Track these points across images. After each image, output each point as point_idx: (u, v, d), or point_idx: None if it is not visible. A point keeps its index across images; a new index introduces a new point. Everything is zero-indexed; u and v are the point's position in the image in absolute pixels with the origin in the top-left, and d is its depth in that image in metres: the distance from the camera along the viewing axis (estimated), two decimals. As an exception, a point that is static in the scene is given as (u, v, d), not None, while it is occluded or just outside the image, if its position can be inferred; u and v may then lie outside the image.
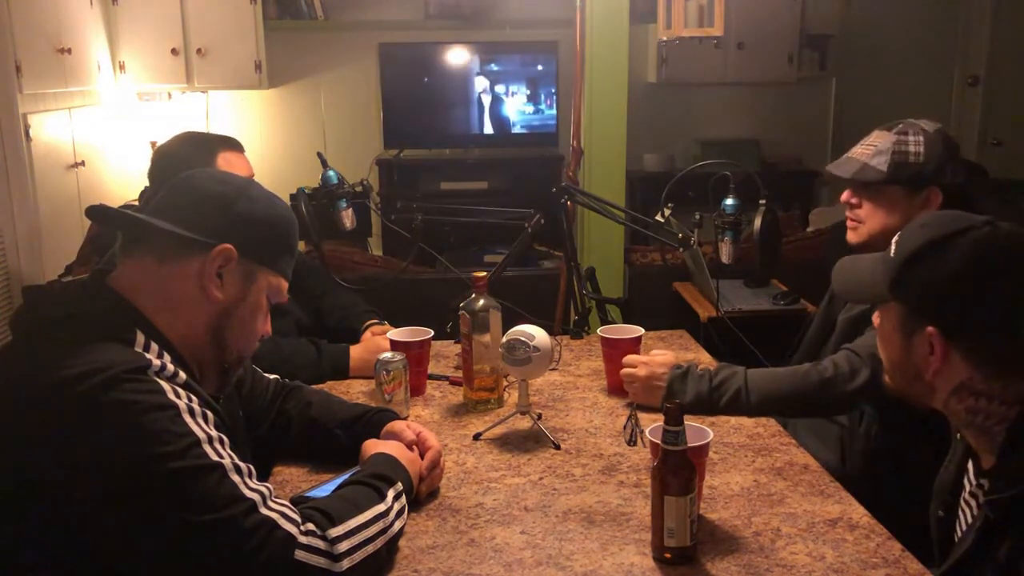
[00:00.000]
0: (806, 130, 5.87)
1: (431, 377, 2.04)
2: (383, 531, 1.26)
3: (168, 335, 1.25)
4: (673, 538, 1.27)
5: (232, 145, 2.08)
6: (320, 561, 1.16)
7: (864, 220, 1.93)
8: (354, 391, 1.99)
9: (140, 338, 1.20)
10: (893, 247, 1.27)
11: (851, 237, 1.96)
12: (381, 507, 1.29)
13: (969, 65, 5.97)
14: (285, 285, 1.38)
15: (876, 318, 1.33)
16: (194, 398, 1.20)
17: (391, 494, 1.33)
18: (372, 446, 1.50)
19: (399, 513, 1.33)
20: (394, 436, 1.54)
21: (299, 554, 1.15)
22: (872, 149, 1.90)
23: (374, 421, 1.62)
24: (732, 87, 5.71)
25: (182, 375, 1.21)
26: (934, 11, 5.83)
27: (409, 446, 1.51)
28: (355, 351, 2.10)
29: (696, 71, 5.50)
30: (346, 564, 1.19)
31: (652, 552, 1.31)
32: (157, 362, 1.18)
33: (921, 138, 1.87)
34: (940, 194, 1.87)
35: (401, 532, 1.33)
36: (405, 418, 1.73)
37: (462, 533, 1.38)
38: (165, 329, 1.24)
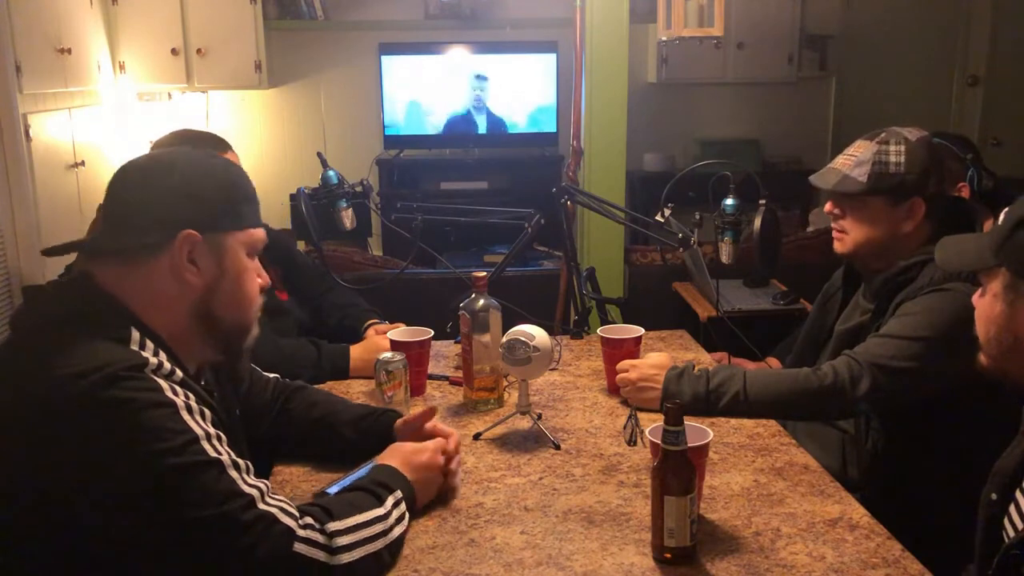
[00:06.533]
0: (806, 130, 5.86)
1: (431, 377, 2.04)
2: (383, 533, 1.27)
3: (160, 332, 1.25)
4: (673, 538, 1.27)
5: (223, 147, 2.10)
6: (318, 554, 1.17)
7: (848, 231, 1.93)
8: (354, 391, 1.99)
9: (135, 335, 1.21)
10: (1002, 216, 1.27)
11: (837, 247, 1.97)
12: (380, 510, 1.29)
13: (969, 65, 5.96)
14: (260, 233, 1.35)
15: (976, 296, 1.33)
16: (191, 395, 1.20)
17: (390, 500, 1.33)
18: (386, 453, 1.48)
19: (399, 519, 1.32)
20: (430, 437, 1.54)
21: (297, 546, 1.16)
22: (853, 160, 1.89)
23: (381, 421, 1.63)
24: (732, 87, 5.70)
25: (178, 373, 1.21)
26: (934, 11, 5.83)
27: (447, 455, 1.51)
28: (355, 351, 2.10)
29: (696, 71, 5.50)
30: (344, 559, 1.19)
31: (652, 552, 1.31)
32: (154, 360, 1.18)
33: (903, 147, 1.86)
34: (923, 204, 1.86)
35: (403, 539, 1.33)
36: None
37: (462, 533, 1.38)
38: (156, 326, 1.25)
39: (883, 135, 1.88)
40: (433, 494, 1.47)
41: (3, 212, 3.31)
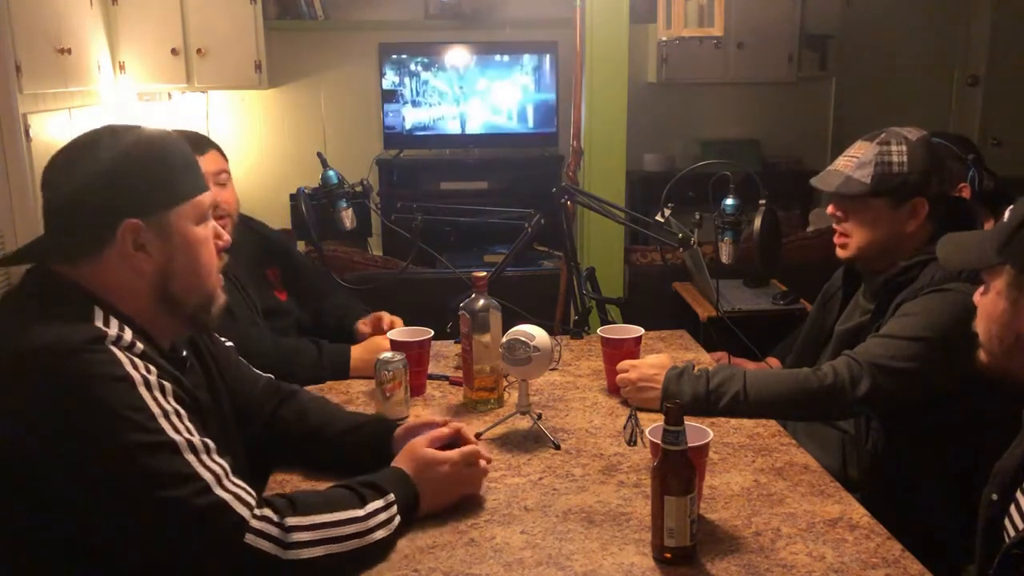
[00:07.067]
0: (806, 130, 5.87)
1: (431, 377, 2.04)
2: (355, 536, 1.24)
3: (127, 314, 1.24)
4: (673, 538, 1.27)
5: (203, 148, 2.08)
6: (268, 546, 1.15)
7: (851, 234, 1.91)
8: (354, 391, 1.99)
9: (98, 313, 1.20)
10: (1007, 214, 1.27)
11: (840, 254, 1.96)
12: (357, 512, 1.26)
13: (969, 65, 5.97)
14: (205, 198, 1.32)
15: (978, 294, 1.33)
16: (152, 369, 1.19)
17: (376, 503, 1.29)
18: (402, 453, 1.44)
19: (383, 524, 1.29)
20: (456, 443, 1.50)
21: (249, 538, 1.14)
22: (855, 161, 1.88)
23: (377, 430, 1.59)
24: (732, 87, 5.71)
25: (140, 345, 1.20)
26: (934, 11, 5.83)
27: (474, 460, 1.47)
28: (356, 351, 2.10)
29: (696, 71, 5.50)
30: (300, 554, 1.17)
31: (652, 552, 1.31)
32: (114, 333, 1.17)
33: (904, 147, 1.85)
34: (926, 204, 1.86)
35: (387, 543, 1.30)
36: (405, 418, 1.73)
37: (462, 533, 1.38)
38: (122, 309, 1.24)
39: (883, 135, 1.88)
40: (450, 502, 1.43)
41: (3, 212, 3.31)
